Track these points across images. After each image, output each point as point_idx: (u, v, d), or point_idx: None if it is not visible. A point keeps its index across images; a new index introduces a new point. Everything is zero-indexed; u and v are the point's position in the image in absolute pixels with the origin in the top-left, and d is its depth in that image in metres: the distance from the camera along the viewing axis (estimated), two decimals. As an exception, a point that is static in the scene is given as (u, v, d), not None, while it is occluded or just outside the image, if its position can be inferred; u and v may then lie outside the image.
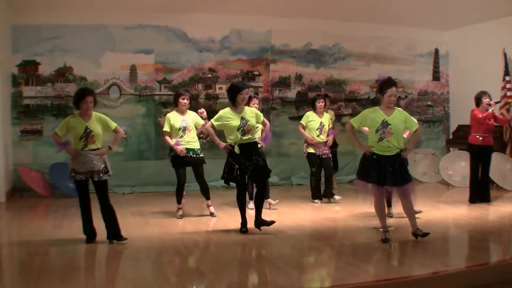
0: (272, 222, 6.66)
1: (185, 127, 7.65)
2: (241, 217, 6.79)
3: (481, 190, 8.74)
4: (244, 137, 6.58)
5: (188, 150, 7.65)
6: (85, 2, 10.18)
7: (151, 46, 11.06)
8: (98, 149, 6.21)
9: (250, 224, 6.80)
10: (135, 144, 10.93)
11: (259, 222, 6.72)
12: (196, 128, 7.80)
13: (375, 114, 6.10)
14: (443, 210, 8.46)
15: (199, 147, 7.82)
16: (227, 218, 7.77)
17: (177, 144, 7.58)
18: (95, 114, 6.28)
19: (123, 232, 6.25)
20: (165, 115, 8.24)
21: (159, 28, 11.11)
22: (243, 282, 5.08)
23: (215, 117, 6.73)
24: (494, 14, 11.21)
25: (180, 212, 7.86)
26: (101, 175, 6.19)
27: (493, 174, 9.21)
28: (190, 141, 7.69)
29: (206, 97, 11.40)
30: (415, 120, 6.62)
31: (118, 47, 10.83)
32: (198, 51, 11.40)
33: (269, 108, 11.86)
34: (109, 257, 5.80)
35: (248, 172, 6.60)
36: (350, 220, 7.50)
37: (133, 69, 10.99)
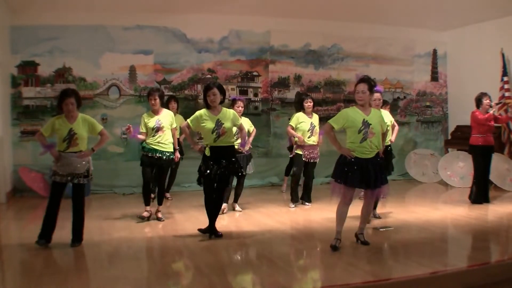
0: (220, 236, 6.56)
1: (158, 127, 7.46)
2: (209, 221, 6.64)
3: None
4: (218, 140, 6.44)
5: (157, 151, 7.47)
6: (84, 3, 10.17)
7: (150, 47, 11.07)
8: (81, 151, 6.13)
9: (249, 226, 6.80)
10: (136, 144, 10.87)
11: (212, 229, 6.62)
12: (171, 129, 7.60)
13: (354, 114, 5.84)
14: (441, 210, 8.49)
15: (172, 151, 7.59)
16: (227, 219, 7.80)
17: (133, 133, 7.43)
18: (81, 116, 6.18)
19: (126, 232, 6.27)
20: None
21: (158, 29, 11.13)
22: (244, 282, 5.10)
23: (191, 117, 6.60)
24: (492, 15, 11.24)
25: (146, 214, 7.65)
26: (81, 178, 6.14)
27: (491, 174, 9.23)
28: (162, 143, 7.48)
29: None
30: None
31: (117, 48, 10.85)
32: (197, 51, 11.42)
33: (268, 109, 11.88)
34: (111, 258, 5.80)
35: (212, 175, 6.42)
36: (349, 221, 7.47)
37: (132, 70, 11.00)
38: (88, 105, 10.43)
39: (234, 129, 6.91)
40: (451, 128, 12.72)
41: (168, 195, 9.64)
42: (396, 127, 8.39)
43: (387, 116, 7.27)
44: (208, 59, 11.49)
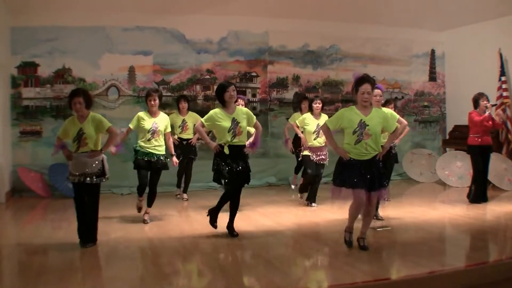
0: (236, 236, 6.60)
1: (154, 130, 7.36)
2: (215, 212, 6.73)
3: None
4: (235, 140, 6.43)
5: (152, 154, 7.36)
6: (84, 4, 10.20)
7: (149, 48, 11.09)
8: (92, 151, 6.10)
9: (246, 226, 6.79)
10: (133, 144, 10.92)
11: (231, 227, 6.69)
12: (165, 133, 7.48)
13: (351, 114, 5.65)
14: (439, 210, 8.50)
15: (165, 153, 7.51)
16: (224, 219, 7.80)
17: (117, 147, 7.29)
18: (91, 115, 6.13)
19: (123, 232, 6.26)
20: None
21: (157, 30, 11.14)
22: (241, 282, 5.09)
23: (206, 116, 6.55)
24: (489, 15, 11.26)
25: (145, 216, 7.55)
26: (93, 178, 6.08)
27: (489, 174, 9.24)
28: (157, 146, 7.40)
29: (204, 98, 11.44)
30: (397, 119, 6.47)
31: (116, 49, 10.87)
32: (196, 52, 11.44)
33: (266, 109, 11.90)
34: (107, 258, 5.81)
35: (234, 174, 6.42)
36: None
37: (131, 71, 11.02)
38: (87, 106, 10.44)
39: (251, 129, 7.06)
40: (449, 128, 12.72)
41: (185, 196, 9.63)
42: (406, 129, 7.43)
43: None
44: (207, 60, 11.50)
